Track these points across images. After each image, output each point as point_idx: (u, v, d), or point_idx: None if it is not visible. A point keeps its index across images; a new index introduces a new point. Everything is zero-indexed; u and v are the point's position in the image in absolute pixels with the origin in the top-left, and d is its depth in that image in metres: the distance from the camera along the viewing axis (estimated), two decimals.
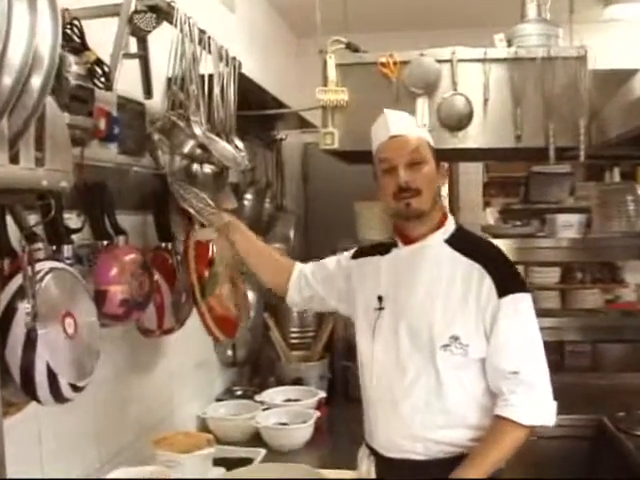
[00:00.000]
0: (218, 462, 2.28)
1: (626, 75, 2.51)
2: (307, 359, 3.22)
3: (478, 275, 1.85)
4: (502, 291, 1.83)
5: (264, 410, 2.73)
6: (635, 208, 3.07)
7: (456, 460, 1.82)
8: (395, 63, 2.72)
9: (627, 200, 3.10)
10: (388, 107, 2.05)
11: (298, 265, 2.24)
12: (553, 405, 1.82)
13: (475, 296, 1.84)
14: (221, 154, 2.13)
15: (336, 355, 3.31)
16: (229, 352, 2.95)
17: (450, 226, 1.99)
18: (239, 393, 3.05)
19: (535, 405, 1.81)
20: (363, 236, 3.34)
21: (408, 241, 1.98)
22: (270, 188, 3.56)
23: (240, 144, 2.37)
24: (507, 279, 1.87)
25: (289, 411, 2.75)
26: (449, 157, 3.54)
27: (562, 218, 3.15)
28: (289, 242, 3.60)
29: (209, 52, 2.19)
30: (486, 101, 2.71)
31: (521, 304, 1.85)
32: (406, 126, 1.97)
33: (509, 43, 2.81)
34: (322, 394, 2.89)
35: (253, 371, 3.33)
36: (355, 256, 2.13)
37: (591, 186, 4.83)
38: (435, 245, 1.94)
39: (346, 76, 2.76)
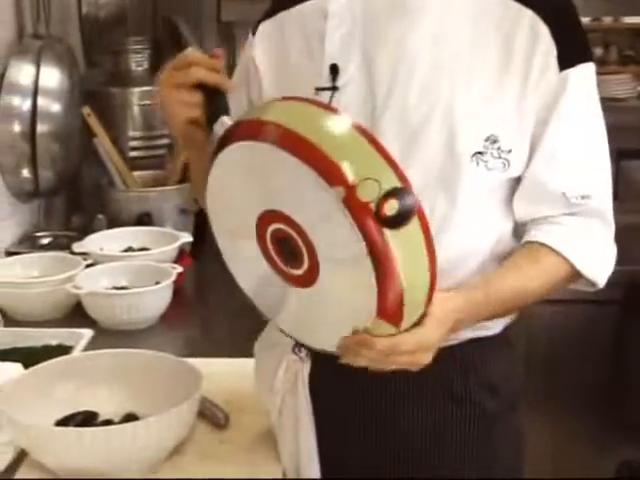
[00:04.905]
0: (10, 354, 2.07)
1: None
2: (159, 183, 3.00)
3: (530, 27, 1.51)
4: (567, 58, 1.51)
5: (88, 267, 2.47)
6: None
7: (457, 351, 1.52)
8: None
9: None
10: None
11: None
12: (614, 257, 1.60)
13: (522, 63, 1.50)
14: None
15: None
16: (25, 173, 2.68)
17: None
18: (46, 242, 2.85)
19: (602, 248, 1.58)
20: None
21: None
22: None
23: None
24: (577, 38, 1.55)
25: (131, 267, 2.51)
26: None
27: None
28: None
29: None
30: None
31: (593, 83, 1.56)
32: None
33: None
34: (186, 238, 2.64)
35: (70, 205, 3.16)
36: (268, 15, 1.72)
37: None
38: None
39: None
